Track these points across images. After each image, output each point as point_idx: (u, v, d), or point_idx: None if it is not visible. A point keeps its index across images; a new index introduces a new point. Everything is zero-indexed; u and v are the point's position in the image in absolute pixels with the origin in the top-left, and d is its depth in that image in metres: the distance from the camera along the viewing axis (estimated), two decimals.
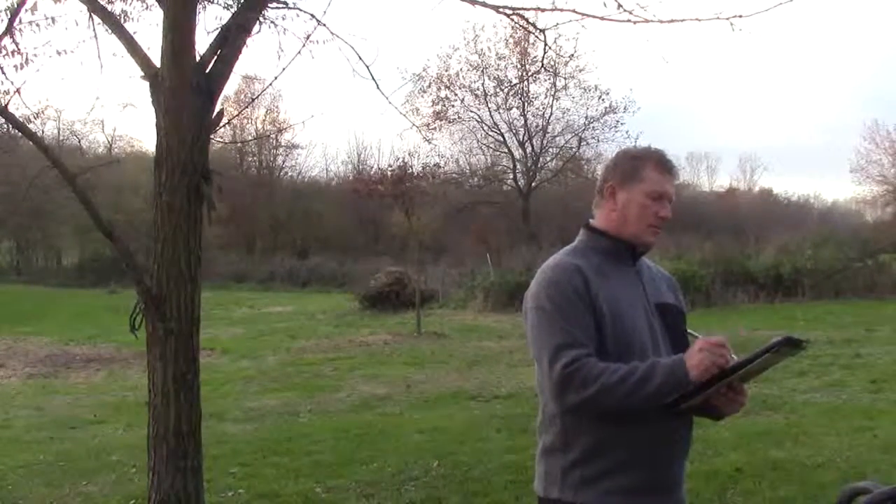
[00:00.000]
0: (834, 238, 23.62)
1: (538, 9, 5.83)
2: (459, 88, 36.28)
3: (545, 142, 38.03)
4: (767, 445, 6.79)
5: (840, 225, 34.95)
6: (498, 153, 39.24)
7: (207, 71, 4.70)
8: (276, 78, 5.73)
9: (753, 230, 28.08)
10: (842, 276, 20.68)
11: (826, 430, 7.32)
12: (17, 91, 4.94)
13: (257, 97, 34.56)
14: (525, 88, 36.29)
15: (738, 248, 23.11)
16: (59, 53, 5.51)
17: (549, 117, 37.13)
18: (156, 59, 4.62)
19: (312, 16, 5.25)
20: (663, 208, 2.40)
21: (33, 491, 6.31)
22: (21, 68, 5.26)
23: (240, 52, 4.88)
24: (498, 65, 36.09)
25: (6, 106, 4.76)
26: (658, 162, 2.42)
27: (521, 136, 37.93)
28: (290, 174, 44.06)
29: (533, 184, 38.03)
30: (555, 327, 2.25)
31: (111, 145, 40.96)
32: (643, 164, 2.41)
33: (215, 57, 4.75)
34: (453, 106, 36.49)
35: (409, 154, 27.68)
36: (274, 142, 41.39)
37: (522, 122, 37.56)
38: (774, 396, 9.14)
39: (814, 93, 72.09)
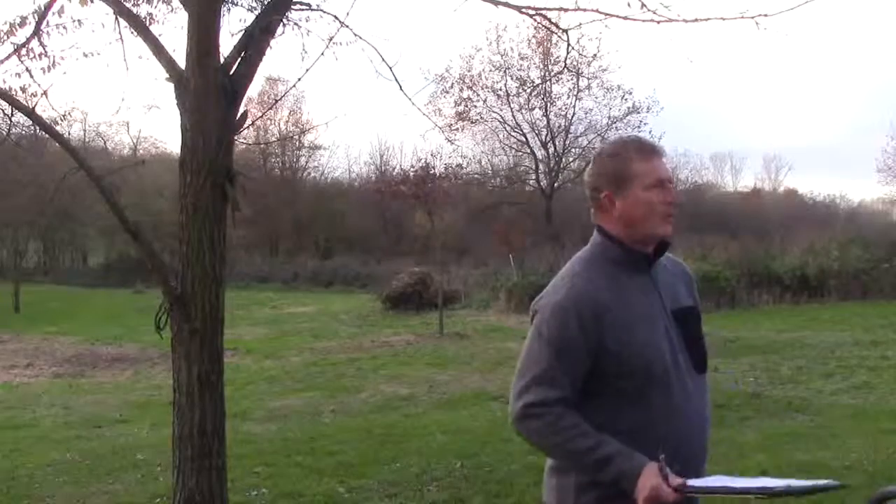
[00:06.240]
0: (861, 238, 23.34)
1: (561, 9, 5.81)
2: (482, 89, 36.23)
3: (568, 142, 37.90)
4: (793, 447, 6.73)
5: (867, 225, 34.53)
6: (520, 153, 39.17)
7: (231, 73, 4.72)
8: (299, 79, 5.74)
9: (778, 231, 27.84)
10: (869, 277, 20.46)
11: (853, 433, 7.24)
12: (45, 93, 4.99)
13: (281, 98, 34.84)
14: (548, 89, 36.19)
15: (762, 249, 22.92)
16: (85, 56, 5.57)
17: (572, 117, 37.00)
18: (181, 61, 4.65)
19: (335, 17, 5.26)
20: (667, 193, 2.27)
21: (60, 489, 6.38)
22: (48, 71, 5.32)
23: (263, 53, 4.90)
24: (520, 65, 36.04)
25: (34, 108, 4.80)
26: (638, 150, 2.28)
27: (543, 137, 37.83)
28: (313, 175, 44.27)
29: (556, 184, 37.88)
30: (541, 357, 2.21)
31: (136, 147, 41.33)
32: (625, 160, 2.27)
33: (239, 59, 4.77)
34: (476, 106, 36.45)
35: (431, 155, 27.67)
36: (297, 143, 41.57)
37: (545, 122, 37.45)
38: (800, 398, 9.07)
39: (839, 92, 71.39)
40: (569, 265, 2.35)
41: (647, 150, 2.29)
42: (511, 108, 37.02)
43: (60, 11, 5.20)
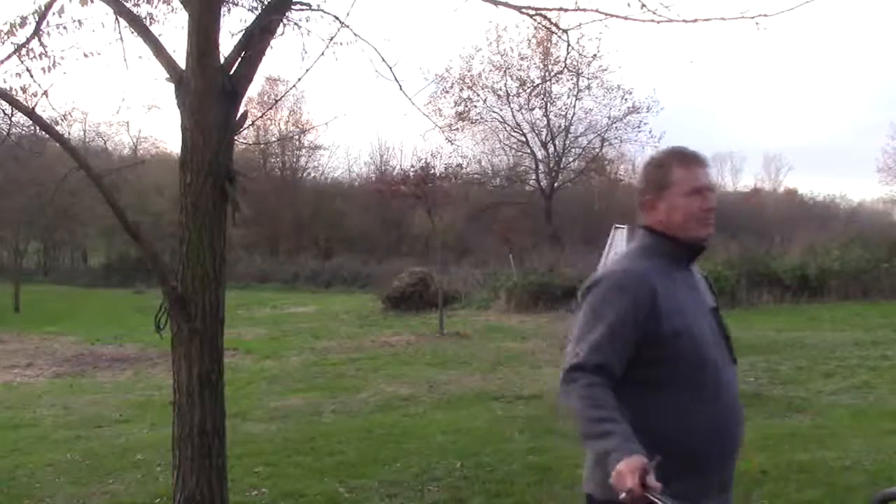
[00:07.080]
0: (861, 238, 23.32)
1: (561, 9, 5.80)
2: (482, 89, 36.21)
3: (568, 142, 37.88)
4: (793, 447, 6.73)
5: (867, 225, 34.49)
6: (520, 153, 39.18)
7: (232, 73, 4.72)
8: (299, 79, 5.73)
9: (779, 231, 27.82)
10: (869, 277, 20.45)
11: (853, 433, 7.24)
12: (45, 93, 4.99)
13: (281, 98, 34.83)
14: (548, 89, 36.17)
15: (763, 249, 22.91)
16: (85, 56, 5.57)
17: (572, 117, 36.99)
18: (181, 61, 4.65)
19: (336, 17, 5.25)
20: (705, 200, 2.44)
21: (60, 489, 6.38)
22: (48, 71, 5.32)
23: (263, 53, 4.90)
24: (520, 65, 36.01)
25: (34, 108, 4.79)
26: (680, 160, 2.46)
27: (543, 137, 37.82)
28: (313, 175, 44.17)
29: (556, 184, 37.89)
30: (593, 330, 2.31)
31: (136, 147, 41.39)
32: (668, 168, 2.45)
33: (239, 59, 4.77)
34: (476, 106, 36.45)
35: (431, 155, 27.69)
36: (297, 143, 41.55)
37: (545, 122, 37.45)
38: (800, 398, 9.07)
39: (840, 91, 71.47)
40: (618, 257, 2.58)
41: (688, 160, 2.47)
42: (511, 108, 37.05)
43: (60, 11, 5.20)
